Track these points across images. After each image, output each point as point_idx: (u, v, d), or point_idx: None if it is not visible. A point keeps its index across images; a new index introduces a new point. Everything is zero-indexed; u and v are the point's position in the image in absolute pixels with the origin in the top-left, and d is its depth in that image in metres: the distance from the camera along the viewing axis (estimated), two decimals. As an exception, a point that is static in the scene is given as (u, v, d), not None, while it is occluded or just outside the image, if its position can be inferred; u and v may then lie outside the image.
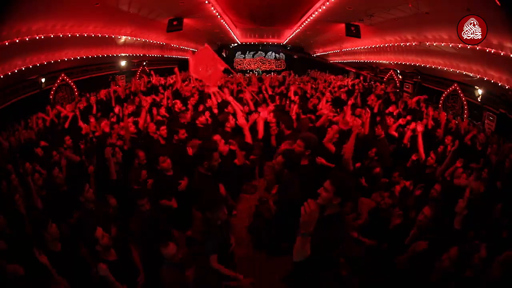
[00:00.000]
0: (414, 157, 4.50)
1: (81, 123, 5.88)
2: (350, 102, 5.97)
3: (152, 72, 11.02)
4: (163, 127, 4.62)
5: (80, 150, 4.83)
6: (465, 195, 2.90)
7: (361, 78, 12.68)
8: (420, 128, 4.61)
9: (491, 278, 2.15)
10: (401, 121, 5.89)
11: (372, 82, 12.37)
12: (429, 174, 4.16)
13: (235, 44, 18.63)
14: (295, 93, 7.82)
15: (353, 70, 14.50)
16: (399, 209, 3.20)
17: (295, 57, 19.57)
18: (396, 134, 5.38)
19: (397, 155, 5.01)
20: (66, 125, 5.93)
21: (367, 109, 6.06)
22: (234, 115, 4.97)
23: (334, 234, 2.05)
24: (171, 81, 10.29)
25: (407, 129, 5.27)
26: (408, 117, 6.13)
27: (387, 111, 6.56)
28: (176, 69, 8.28)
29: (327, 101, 6.66)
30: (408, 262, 2.67)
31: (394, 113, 6.13)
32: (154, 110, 6.10)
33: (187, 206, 3.47)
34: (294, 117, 5.63)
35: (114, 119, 6.08)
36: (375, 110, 6.67)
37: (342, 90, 9.18)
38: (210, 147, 3.33)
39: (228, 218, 2.93)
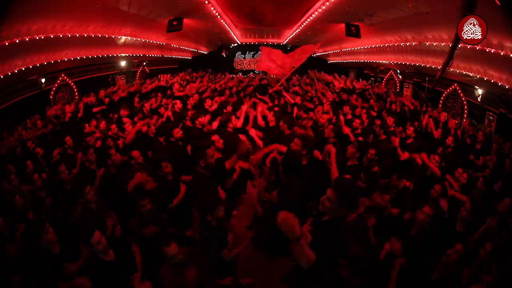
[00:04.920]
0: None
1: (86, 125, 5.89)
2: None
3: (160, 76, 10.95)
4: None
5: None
6: (466, 203, 2.92)
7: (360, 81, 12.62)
8: (409, 132, 4.64)
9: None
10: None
11: (372, 83, 12.36)
12: (429, 175, 4.16)
13: (235, 44, 18.62)
14: (296, 93, 7.84)
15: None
16: (397, 209, 3.20)
17: None
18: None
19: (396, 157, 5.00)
20: (67, 119, 5.95)
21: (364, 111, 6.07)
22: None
23: (335, 237, 2.03)
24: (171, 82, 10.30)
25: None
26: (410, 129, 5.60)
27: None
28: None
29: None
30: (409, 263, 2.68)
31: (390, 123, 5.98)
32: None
33: (187, 206, 3.47)
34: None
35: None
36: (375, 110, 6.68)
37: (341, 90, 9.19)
38: (202, 145, 3.31)
39: (226, 218, 2.93)
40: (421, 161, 4.05)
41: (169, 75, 11.89)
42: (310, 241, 1.82)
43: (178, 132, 4.45)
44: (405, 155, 4.62)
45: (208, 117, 5.24)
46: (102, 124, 5.54)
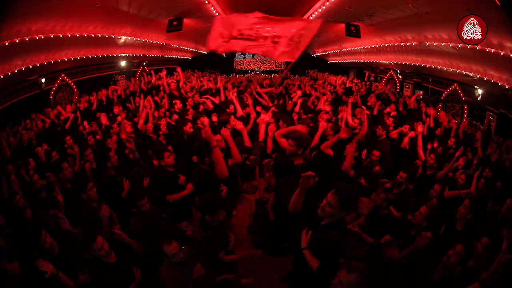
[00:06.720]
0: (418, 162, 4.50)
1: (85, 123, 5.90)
2: (350, 100, 5.96)
3: (152, 72, 10.92)
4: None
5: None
6: (465, 201, 2.93)
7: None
8: (420, 128, 4.60)
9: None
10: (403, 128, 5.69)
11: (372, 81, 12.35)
12: (429, 175, 4.16)
13: (235, 44, 18.59)
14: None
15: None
16: (397, 210, 3.20)
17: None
18: (396, 136, 5.30)
19: (396, 156, 4.99)
20: (67, 126, 5.94)
21: (364, 108, 6.06)
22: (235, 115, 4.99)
23: (334, 241, 2.03)
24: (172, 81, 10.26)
25: (406, 131, 5.22)
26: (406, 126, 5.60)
27: (385, 111, 6.53)
28: (178, 69, 8.42)
29: (326, 100, 6.68)
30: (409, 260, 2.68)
31: (392, 114, 6.04)
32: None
33: (187, 206, 3.47)
34: (295, 117, 5.63)
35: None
36: (375, 111, 6.66)
37: (341, 87, 9.23)
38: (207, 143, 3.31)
39: (226, 218, 2.92)
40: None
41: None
42: (311, 245, 1.83)
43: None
44: (404, 142, 4.62)
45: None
46: (104, 119, 5.55)
